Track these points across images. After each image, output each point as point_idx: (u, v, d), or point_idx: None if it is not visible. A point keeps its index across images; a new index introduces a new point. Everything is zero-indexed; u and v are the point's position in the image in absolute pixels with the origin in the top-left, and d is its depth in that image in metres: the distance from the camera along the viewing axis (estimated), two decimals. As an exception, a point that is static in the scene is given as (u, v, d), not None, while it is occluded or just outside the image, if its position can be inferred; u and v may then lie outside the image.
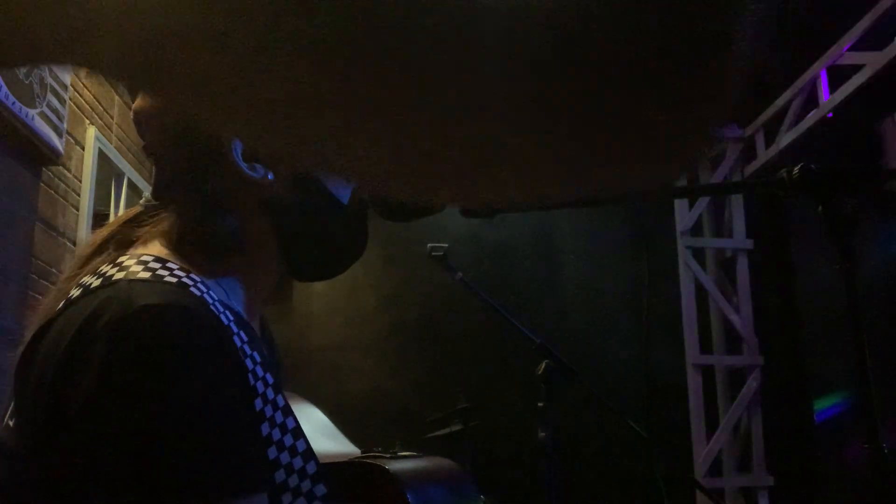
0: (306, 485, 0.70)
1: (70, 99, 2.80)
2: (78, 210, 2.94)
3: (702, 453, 3.77)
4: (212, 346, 0.64)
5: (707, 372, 3.95)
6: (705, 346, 3.96)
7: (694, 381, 3.86)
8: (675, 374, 3.91)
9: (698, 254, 4.07)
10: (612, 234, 4.22)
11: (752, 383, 3.85)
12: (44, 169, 2.68)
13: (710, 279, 4.01)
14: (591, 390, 1.73)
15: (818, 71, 3.43)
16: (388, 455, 0.87)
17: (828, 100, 3.36)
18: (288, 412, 0.71)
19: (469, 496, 0.90)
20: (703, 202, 4.10)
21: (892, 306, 3.23)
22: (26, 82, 2.43)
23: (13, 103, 2.33)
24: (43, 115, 2.53)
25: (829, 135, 3.53)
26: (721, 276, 4.12)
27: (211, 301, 0.68)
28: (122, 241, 0.77)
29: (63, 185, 2.83)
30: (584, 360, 2.59)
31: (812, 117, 3.46)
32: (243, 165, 0.76)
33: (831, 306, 3.70)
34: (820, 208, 0.82)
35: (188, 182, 0.77)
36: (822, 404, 3.84)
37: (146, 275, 0.68)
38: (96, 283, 0.68)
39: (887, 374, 2.81)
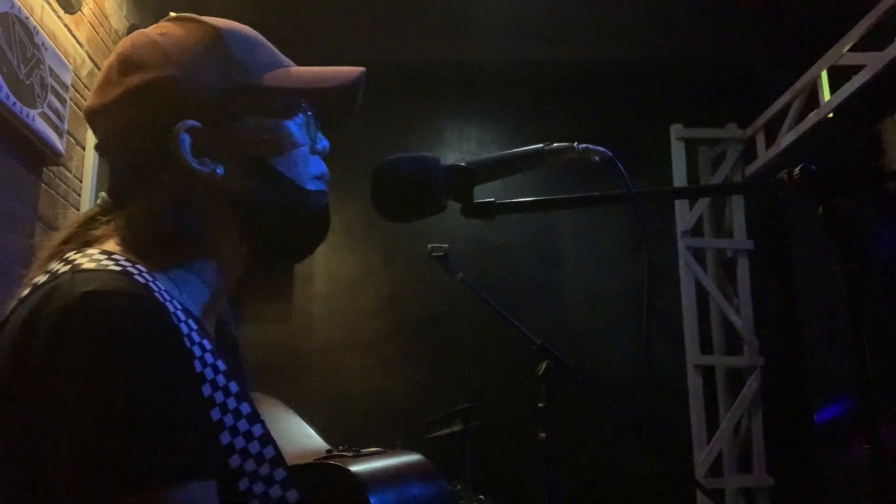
0: (265, 469, 0.69)
1: (70, 99, 2.80)
2: (78, 210, 2.94)
3: (702, 454, 3.77)
4: (153, 330, 0.64)
5: (707, 372, 3.95)
6: (705, 347, 3.96)
7: (694, 382, 3.86)
8: (676, 374, 3.91)
9: (699, 254, 4.07)
10: (612, 234, 4.22)
11: (752, 384, 3.85)
12: (44, 169, 2.68)
13: (710, 279, 4.01)
14: (592, 390, 1.73)
15: (819, 72, 3.43)
16: (350, 454, 0.84)
17: (828, 100, 3.36)
18: (242, 398, 0.70)
19: (439, 492, 0.87)
20: (703, 203, 4.10)
21: (892, 306, 3.23)
22: (27, 82, 2.43)
23: (14, 103, 2.33)
24: (44, 116, 2.53)
25: (830, 135, 3.53)
26: (721, 277, 4.12)
27: (157, 289, 0.68)
28: (80, 242, 0.78)
29: (63, 186, 2.83)
30: (584, 360, 2.59)
31: (812, 118, 3.46)
32: (192, 160, 0.76)
33: (831, 307, 3.70)
34: (820, 209, 0.82)
35: (141, 180, 0.78)
36: (823, 405, 3.84)
37: (91, 265, 0.68)
38: (44, 279, 0.69)
39: (888, 375, 2.81)
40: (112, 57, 0.82)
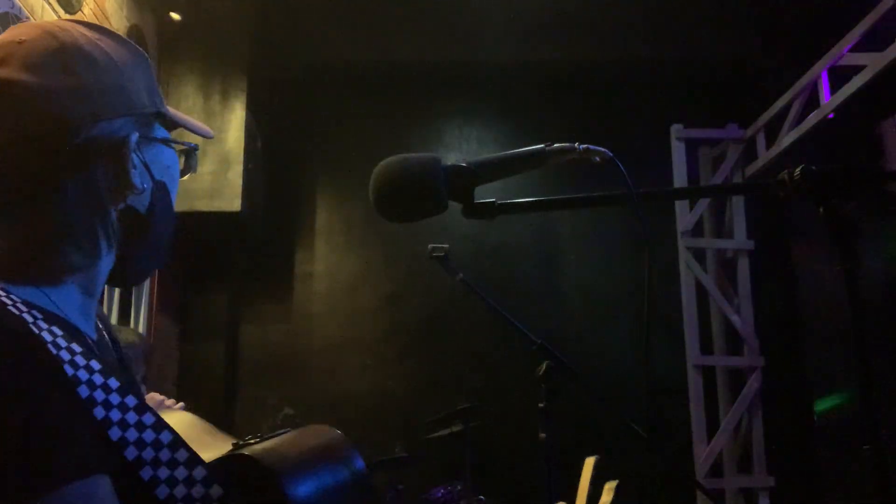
0: (165, 454, 0.69)
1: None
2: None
3: (702, 454, 3.77)
4: (6, 343, 0.64)
5: (708, 372, 3.95)
6: (706, 347, 3.97)
7: (694, 382, 3.86)
8: (676, 374, 3.91)
9: (699, 254, 4.08)
10: (612, 234, 4.22)
11: (752, 384, 3.85)
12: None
13: (710, 280, 4.01)
14: (592, 391, 1.73)
15: (819, 72, 3.43)
16: (255, 440, 0.83)
17: (829, 101, 3.36)
18: (126, 392, 0.70)
19: (351, 463, 0.86)
20: (703, 203, 4.10)
21: (892, 307, 3.23)
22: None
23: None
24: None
25: (830, 135, 3.53)
26: (722, 277, 4.12)
27: (10, 303, 0.69)
28: None
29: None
30: (584, 360, 2.59)
31: (813, 118, 3.46)
32: (132, 168, 0.78)
33: (832, 307, 3.70)
34: (821, 209, 0.82)
35: (64, 174, 0.76)
36: (823, 405, 3.84)
37: None
38: None
39: (888, 375, 2.82)
40: (48, 38, 0.77)
